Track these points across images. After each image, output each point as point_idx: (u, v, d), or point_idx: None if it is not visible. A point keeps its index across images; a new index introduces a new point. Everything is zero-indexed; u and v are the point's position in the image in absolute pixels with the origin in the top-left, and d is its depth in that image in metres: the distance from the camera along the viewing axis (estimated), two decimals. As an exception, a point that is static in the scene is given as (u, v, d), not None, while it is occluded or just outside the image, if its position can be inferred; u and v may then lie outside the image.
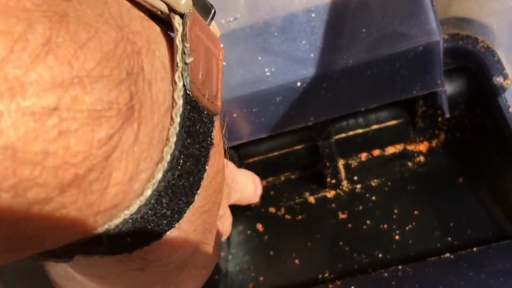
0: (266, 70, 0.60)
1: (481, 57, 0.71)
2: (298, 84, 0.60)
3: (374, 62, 0.59)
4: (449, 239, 0.71)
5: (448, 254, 0.65)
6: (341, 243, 0.75)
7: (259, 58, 0.60)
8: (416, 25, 0.57)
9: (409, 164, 0.80)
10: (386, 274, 0.65)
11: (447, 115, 0.70)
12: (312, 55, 0.59)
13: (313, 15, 0.58)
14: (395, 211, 0.76)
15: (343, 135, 0.77)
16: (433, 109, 0.74)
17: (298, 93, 0.62)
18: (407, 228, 0.74)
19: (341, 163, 0.80)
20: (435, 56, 0.60)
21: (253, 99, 0.61)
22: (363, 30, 0.58)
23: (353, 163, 0.82)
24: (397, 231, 0.74)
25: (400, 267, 0.66)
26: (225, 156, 0.41)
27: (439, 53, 0.60)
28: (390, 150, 0.82)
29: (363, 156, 0.83)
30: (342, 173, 0.79)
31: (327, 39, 0.58)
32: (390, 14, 0.57)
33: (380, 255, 0.72)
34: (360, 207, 0.77)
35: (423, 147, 0.81)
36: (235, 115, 0.63)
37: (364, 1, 0.57)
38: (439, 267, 0.63)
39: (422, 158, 0.80)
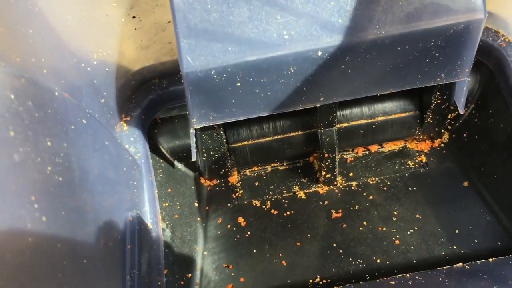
0: (285, 33, 0.51)
1: (501, 51, 0.66)
2: (319, 53, 0.52)
3: (409, 36, 0.51)
4: (455, 247, 0.64)
5: (461, 264, 0.58)
6: (334, 244, 0.66)
7: (278, 18, 0.51)
8: (461, -3, 0.50)
9: (410, 163, 0.73)
10: (393, 282, 0.57)
11: (461, 112, 0.64)
12: (340, 21, 0.51)
13: (346, -28, 0.50)
14: (395, 213, 0.68)
15: (345, 124, 0.69)
16: (447, 103, 0.67)
17: (316, 65, 0.53)
18: (408, 232, 0.66)
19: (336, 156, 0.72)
20: (473, 38, 0.53)
21: (264, 66, 0.52)
22: (402, -4, 0.50)
23: (349, 158, 0.75)
24: (397, 235, 0.66)
25: (408, 275, 0.58)
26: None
27: (478, 35, 0.53)
28: (389, 147, 0.75)
29: (360, 151, 0.75)
30: (337, 168, 0.71)
31: (360, 3, 0.50)
32: (434, -19, 0.50)
33: (378, 261, 0.64)
34: (356, 206, 0.69)
35: (425, 146, 0.74)
36: (238, 84, 0.53)
37: (406, -37, 0.49)
38: (453, 276, 0.56)
39: (423, 158, 0.73)
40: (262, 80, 0.53)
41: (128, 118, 0.65)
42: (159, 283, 0.57)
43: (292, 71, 0.53)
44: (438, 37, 0.52)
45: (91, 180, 0.44)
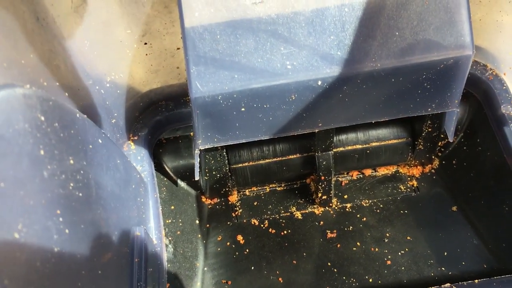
0: (288, 63, 0.55)
1: (489, 84, 0.70)
2: (319, 83, 0.55)
3: (403, 70, 0.55)
4: (443, 268, 0.67)
5: (448, 284, 0.61)
6: (329, 263, 0.69)
7: (282, 49, 0.55)
8: (452, 35, 0.54)
9: (402, 187, 0.77)
10: (385, 300, 0.60)
11: (451, 140, 0.67)
12: (339, 53, 0.55)
13: (346, 9, 0.54)
14: (387, 234, 0.71)
15: (341, 149, 0.73)
16: (438, 131, 0.71)
17: (316, 93, 0.57)
18: (399, 253, 0.69)
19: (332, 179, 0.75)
20: (462, 71, 0.57)
21: (267, 93, 0.55)
22: (396, 33, 0.54)
23: (344, 180, 0.78)
24: (389, 256, 0.69)
25: (399, 293, 0.61)
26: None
27: (466, 69, 0.57)
28: (383, 171, 0.78)
29: (354, 174, 0.78)
30: (332, 190, 0.74)
31: (358, 38, 0.54)
32: (426, 20, 0.54)
33: (371, 280, 0.67)
34: (350, 227, 0.73)
35: (416, 171, 0.78)
36: (243, 109, 0.57)
37: (401, 2, 0.53)
38: (441, 296, 0.59)
39: (415, 183, 0.77)
40: (265, 106, 0.57)
41: (135, 138, 0.68)
42: (162, 296, 0.60)
43: (294, 98, 0.57)
44: (429, 71, 0.56)
45: (104, 196, 0.47)
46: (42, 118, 0.37)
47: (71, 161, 0.41)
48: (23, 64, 0.40)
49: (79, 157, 0.43)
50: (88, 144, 0.46)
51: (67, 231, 0.37)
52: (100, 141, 0.49)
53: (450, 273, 0.67)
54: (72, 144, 0.42)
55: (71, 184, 0.40)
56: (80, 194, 0.41)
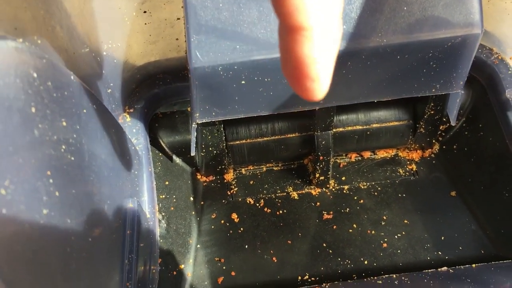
0: (291, 34, 0.53)
1: (494, 68, 0.69)
2: (323, 57, 0.54)
3: (410, 46, 0.54)
4: (440, 253, 0.66)
5: (445, 268, 0.61)
6: (324, 244, 0.68)
7: (285, 20, 0.53)
8: (461, 13, 0.53)
9: (401, 171, 0.75)
10: (380, 282, 0.59)
11: (453, 123, 0.66)
12: (344, 27, 0.53)
13: (353, -19, 0.52)
14: (384, 217, 0.70)
15: (341, 129, 0.72)
16: (440, 114, 0.70)
17: (319, 68, 0.55)
18: (396, 236, 0.69)
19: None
20: (470, 51, 0.56)
21: (269, 66, 0.54)
22: (405, 8, 0.52)
23: (342, 162, 0.77)
24: (385, 239, 0.68)
25: (394, 275, 0.60)
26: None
27: (474, 49, 0.56)
28: (382, 154, 0.77)
29: (353, 156, 0.77)
30: (330, 171, 0.73)
31: (365, 12, 0.52)
32: (435, -5, 0.52)
33: (366, 262, 0.66)
34: (347, 209, 0.72)
35: (416, 155, 0.77)
36: (243, 82, 0.55)
37: (410, -24, 0.52)
38: (438, 279, 0.58)
39: (414, 167, 0.76)
40: (266, 80, 0.55)
41: (131, 110, 0.67)
42: (154, 271, 0.58)
43: (296, 72, 0.55)
44: (436, 49, 0.54)
45: (98, 164, 0.46)
46: (35, 75, 0.35)
47: (64, 123, 0.39)
48: (17, 19, 0.38)
49: (73, 121, 0.41)
50: (82, 108, 0.44)
51: (57, 193, 0.36)
52: (95, 107, 0.47)
53: (446, 257, 0.66)
54: (66, 106, 0.40)
55: (63, 147, 0.38)
56: (72, 158, 0.40)
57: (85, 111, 0.45)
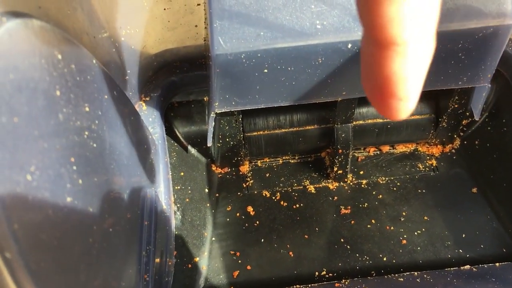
0: (317, 22, 0.51)
1: (520, 61, 0.67)
2: (349, 46, 0.52)
3: (439, 37, 0.51)
4: (461, 251, 0.65)
5: (468, 266, 0.59)
6: (342, 240, 0.67)
7: (312, 7, 0.51)
8: (494, 2, 0.51)
9: (420, 166, 0.74)
10: (401, 279, 0.58)
11: (477, 118, 0.64)
12: (373, 15, 0.51)
13: (383, -32, 0.50)
14: (403, 213, 0.69)
15: (361, 122, 0.70)
16: (464, 108, 0.68)
17: (344, 58, 0.53)
18: (415, 233, 0.67)
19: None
20: (500, 43, 0.54)
21: (293, 54, 0.52)
22: (436, -4, 0.51)
23: (360, 156, 0.75)
24: (405, 235, 0.67)
25: (416, 273, 0.58)
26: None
27: (505, 41, 0.54)
28: (401, 148, 0.76)
29: (371, 150, 0.75)
30: (349, 165, 0.72)
31: None
32: (468, -16, 0.50)
33: (385, 259, 0.65)
34: (365, 204, 0.70)
35: (436, 150, 0.75)
36: (265, 70, 0.54)
37: (443, -36, 0.50)
38: (461, 277, 0.57)
39: (434, 162, 0.74)
40: (289, 69, 0.54)
41: (147, 99, 0.65)
42: (170, 263, 0.57)
43: (320, 61, 0.53)
44: (466, 39, 0.53)
45: (118, 152, 0.44)
46: (59, 57, 0.34)
47: (87, 108, 0.37)
48: (40, -1, 0.37)
49: (95, 106, 0.39)
50: (104, 94, 0.43)
51: (80, 181, 0.34)
52: (115, 93, 0.46)
53: (467, 255, 0.64)
54: (88, 90, 0.39)
55: (86, 133, 0.37)
56: (95, 145, 0.38)
57: (106, 97, 0.43)
